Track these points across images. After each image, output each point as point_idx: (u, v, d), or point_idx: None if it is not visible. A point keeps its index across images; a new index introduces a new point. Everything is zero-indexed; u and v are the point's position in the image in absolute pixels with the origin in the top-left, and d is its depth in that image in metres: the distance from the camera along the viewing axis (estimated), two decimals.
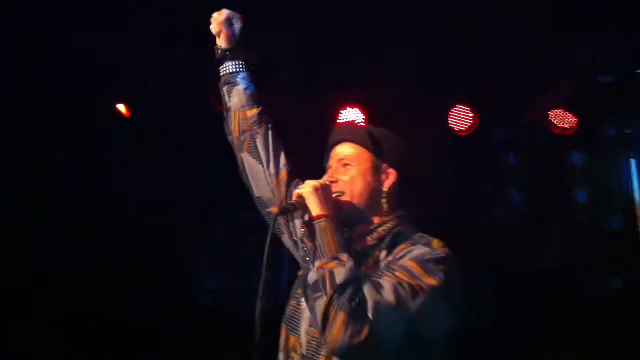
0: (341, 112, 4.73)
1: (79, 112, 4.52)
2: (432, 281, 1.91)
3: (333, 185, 2.16)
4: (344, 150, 2.24)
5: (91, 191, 4.66)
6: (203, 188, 4.70)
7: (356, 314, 1.81)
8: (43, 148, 4.58)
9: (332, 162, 2.26)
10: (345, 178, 2.18)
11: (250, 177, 2.35)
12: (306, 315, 2.06)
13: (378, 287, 1.87)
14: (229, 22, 2.42)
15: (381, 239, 2.11)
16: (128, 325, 4.72)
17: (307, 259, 2.04)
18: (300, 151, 4.47)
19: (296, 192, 2.11)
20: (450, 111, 4.75)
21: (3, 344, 4.29)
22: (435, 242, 2.05)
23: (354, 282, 1.86)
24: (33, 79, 4.34)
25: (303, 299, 2.07)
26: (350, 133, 2.28)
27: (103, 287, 4.71)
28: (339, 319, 1.81)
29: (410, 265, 1.94)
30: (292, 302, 2.19)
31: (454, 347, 2.04)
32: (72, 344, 4.61)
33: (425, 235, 2.10)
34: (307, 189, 2.08)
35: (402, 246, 2.05)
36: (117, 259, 4.72)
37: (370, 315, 1.81)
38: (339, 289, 1.84)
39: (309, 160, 4.35)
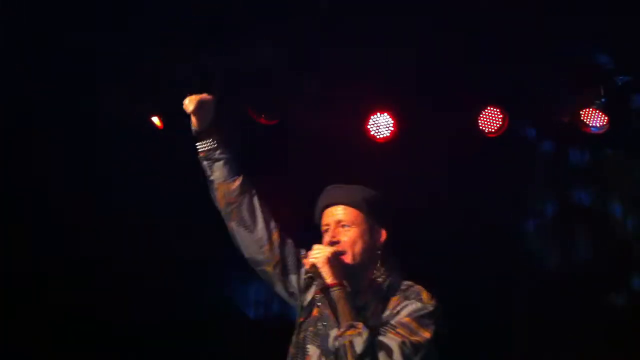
0: (370, 117, 4.70)
1: (79, 113, 4.51)
2: (427, 334, 2.22)
3: (335, 245, 2.40)
4: (341, 212, 2.46)
5: (91, 191, 4.65)
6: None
7: None
8: (43, 148, 4.57)
9: (329, 222, 2.46)
10: (345, 239, 2.40)
11: (240, 243, 2.55)
12: None
13: (388, 351, 2.14)
14: (201, 104, 2.51)
15: (376, 293, 2.37)
16: (128, 326, 4.71)
17: (324, 324, 2.29)
18: (328, 159, 4.50)
19: (310, 261, 2.33)
20: (481, 113, 4.69)
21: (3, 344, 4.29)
22: (425, 294, 2.33)
23: (371, 351, 2.12)
24: (33, 79, 4.33)
25: (309, 346, 2.34)
26: (346, 197, 2.49)
27: (102, 288, 4.70)
28: None
29: (407, 321, 2.23)
30: (292, 349, 2.42)
31: None
32: (71, 344, 4.60)
33: (411, 283, 2.39)
34: (320, 259, 2.31)
35: (394, 298, 2.34)
36: (117, 259, 4.72)
37: None
38: (359, 358, 2.10)
39: (334, 169, 4.40)
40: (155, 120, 4.75)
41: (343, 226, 2.43)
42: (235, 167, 2.55)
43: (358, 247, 2.40)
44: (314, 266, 2.31)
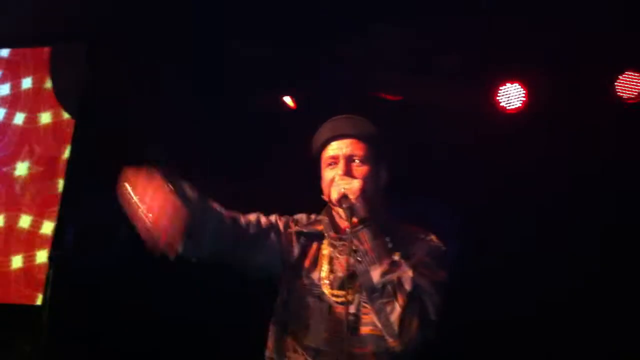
0: (500, 88, 4.58)
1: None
2: (444, 273, 2.18)
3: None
4: (352, 145, 2.27)
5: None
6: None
7: (426, 317, 2.05)
8: None
9: (336, 155, 2.27)
10: (358, 176, 2.24)
11: (242, 256, 2.31)
12: (322, 314, 2.18)
13: (426, 290, 2.08)
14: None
15: (386, 234, 2.18)
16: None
17: (359, 259, 2.11)
18: (455, 134, 4.39)
19: (341, 191, 2.16)
20: (618, 78, 4.42)
21: None
22: (433, 236, 2.29)
23: (418, 288, 2.06)
24: None
25: (309, 299, 2.21)
26: (358, 129, 2.30)
27: None
28: (414, 323, 2.03)
29: (428, 260, 2.17)
30: (279, 309, 2.31)
31: None
32: None
33: (414, 226, 2.32)
34: (353, 190, 2.15)
35: (403, 239, 2.22)
36: None
37: (433, 316, 2.06)
38: (410, 296, 2.03)
39: (462, 144, 4.27)
40: (288, 100, 4.86)
41: (354, 161, 2.25)
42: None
43: (370, 187, 2.21)
44: (345, 197, 2.14)
